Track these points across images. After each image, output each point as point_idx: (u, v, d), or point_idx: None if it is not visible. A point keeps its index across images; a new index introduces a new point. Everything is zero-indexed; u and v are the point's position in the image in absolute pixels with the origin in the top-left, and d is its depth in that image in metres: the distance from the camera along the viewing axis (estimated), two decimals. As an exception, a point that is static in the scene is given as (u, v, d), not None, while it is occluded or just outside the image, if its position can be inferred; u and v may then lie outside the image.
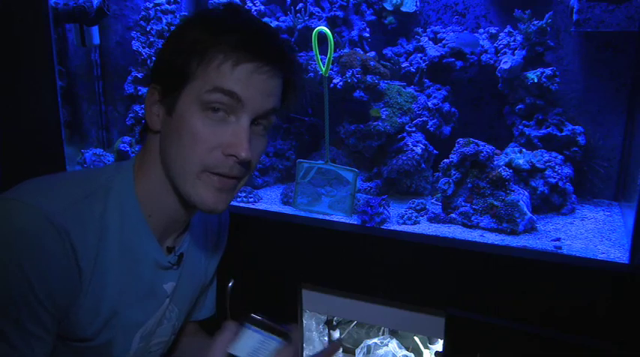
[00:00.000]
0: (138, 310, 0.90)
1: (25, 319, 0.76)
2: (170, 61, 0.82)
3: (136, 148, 1.76)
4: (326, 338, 1.68)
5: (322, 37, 1.25)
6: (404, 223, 1.31)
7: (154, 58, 1.78)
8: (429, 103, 1.55)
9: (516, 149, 1.41)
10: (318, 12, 1.65)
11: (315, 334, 1.67)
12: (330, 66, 1.28)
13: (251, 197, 1.49)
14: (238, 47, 0.79)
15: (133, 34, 1.84)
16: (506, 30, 1.52)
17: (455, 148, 1.32)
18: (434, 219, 1.33)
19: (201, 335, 1.15)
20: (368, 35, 1.65)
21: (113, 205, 0.84)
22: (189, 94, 0.80)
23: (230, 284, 1.27)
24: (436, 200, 1.36)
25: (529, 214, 1.24)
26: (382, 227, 1.27)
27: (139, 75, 1.84)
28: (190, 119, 0.80)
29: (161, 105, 0.84)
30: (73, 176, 0.91)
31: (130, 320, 0.89)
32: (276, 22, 1.66)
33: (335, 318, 1.66)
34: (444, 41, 1.57)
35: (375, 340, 1.57)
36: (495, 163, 1.31)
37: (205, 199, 0.83)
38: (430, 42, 1.60)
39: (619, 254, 1.10)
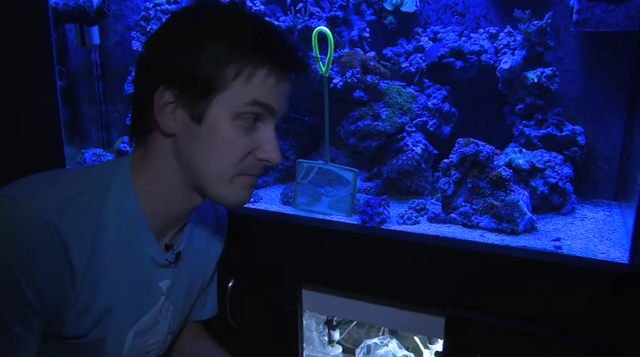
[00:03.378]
0: (132, 307, 0.90)
1: (10, 320, 0.76)
2: (191, 68, 0.80)
3: (136, 148, 1.76)
4: (326, 338, 1.68)
5: (322, 37, 1.25)
6: (404, 223, 1.31)
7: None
8: (429, 103, 1.55)
9: (516, 149, 1.41)
10: (318, 12, 1.65)
11: (315, 334, 1.67)
12: (330, 66, 1.28)
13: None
14: (280, 64, 0.82)
15: (133, 34, 1.84)
16: (506, 30, 1.52)
17: (455, 148, 1.32)
18: (434, 219, 1.33)
19: (208, 342, 1.15)
20: (368, 35, 1.65)
21: (112, 202, 0.84)
22: (222, 103, 0.81)
23: (230, 284, 1.27)
24: (436, 200, 1.36)
25: (529, 214, 1.24)
26: (382, 227, 1.27)
27: (139, 75, 1.84)
28: (224, 128, 0.82)
29: (181, 110, 0.82)
30: (71, 173, 0.91)
31: (124, 317, 0.89)
32: (276, 22, 1.66)
33: (335, 318, 1.66)
34: (444, 41, 1.57)
35: (375, 340, 1.57)
36: (495, 163, 1.31)
37: (240, 198, 0.88)
38: (430, 42, 1.60)
39: (619, 254, 1.10)
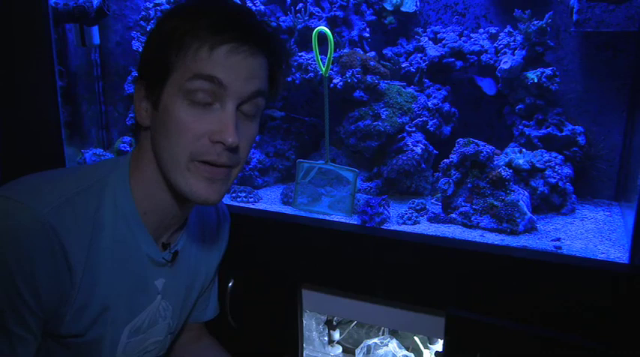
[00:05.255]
0: (128, 305, 0.90)
1: (9, 320, 0.76)
2: (151, 55, 0.83)
3: (136, 148, 1.76)
4: (326, 338, 1.68)
5: (322, 37, 1.25)
6: (404, 223, 1.31)
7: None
8: (429, 103, 1.55)
9: (516, 149, 1.41)
10: (318, 12, 1.65)
11: (315, 334, 1.67)
12: (330, 66, 1.28)
13: (251, 197, 1.49)
14: (213, 30, 0.78)
15: (133, 34, 1.84)
16: (506, 30, 1.52)
17: (455, 148, 1.32)
18: (434, 219, 1.33)
19: (210, 343, 1.14)
20: (368, 35, 1.65)
21: (108, 201, 0.84)
22: (171, 85, 0.80)
23: (230, 284, 1.27)
24: (436, 200, 1.36)
25: (529, 214, 1.24)
26: (382, 227, 1.27)
27: (139, 75, 1.84)
28: (175, 110, 0.80)
29: (148, 101, 0.84)
30: (69, 172, 0.91)
31: (120, 315, 0.89)
32: (276, 22, 1.66)
33: (335, 318, 1.66)
34: (444, 41, 1.58)
35: (375, 340, 1.57)
36: (495, 163, 1.31)
37: (196, 190, 0.83)
38: (430, 42, 1.60)
39: (619, 254, 1.10)
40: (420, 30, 1.64)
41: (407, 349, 1.60)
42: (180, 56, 0.79)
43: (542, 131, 1.43)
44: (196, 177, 0.82)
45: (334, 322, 1.68)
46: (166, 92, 0.81)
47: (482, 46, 1.53)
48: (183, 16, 0.81)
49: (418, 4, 1.62)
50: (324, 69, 1.27)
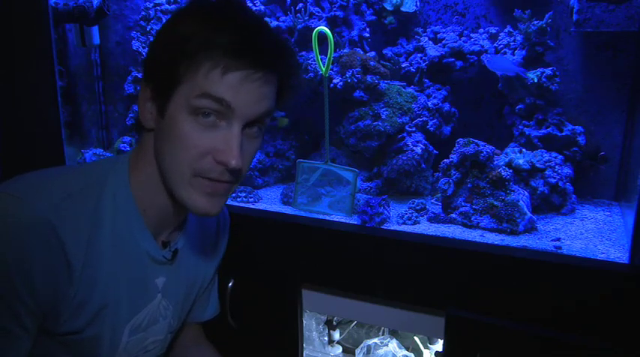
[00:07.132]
0: (127, 303, 0.90)
1: (3, 317, 0.76)
2: (160, 60, 0.81)
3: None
4: (326, 338, 1.68)
5: (322, 37, 1.25)
6: (404, 223, 1.31)
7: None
8: (429, 103, 1.55)
9: (516, 149, 1.41)
10: (318, 12, 1.65)
11: (315, 334, 1.67)
12: (330, 66, 1.28)
13: (251, 197, 1.49)
14: (228, 52, 0.76)
15: (133, 34, 1.84)
16: (506, 30, 1.52)
17: (455, 148, 1.32)
18: (434, 219, 1.33)
19: (208, 349, 1.14)
20: (368, 35, 1.65)
21: (107, 198, 0.85)
22: (179, 96, 0.79)
23: (230, 284, 1.27)
24: (436, 200, 1.36)
25: (529, 214, 1.24)
26: (382, 227, 1.27)
27: (139, 75, 1.84)
28: (181, 123, 0.79)
29: (153, 103, 0.83)
30: (69, 170, 0.91)
31: (120, 313, 0.89)
32: (276, 22, 1.66)
33: (335, 318, 1.66)
34: (444, 41, 1.58)
35: (375, 340, 1.57)
36: (495, 163, 1.31)
37: (198, 204, 0.83)
38: (430, 42, 1.60)
39: (619, 254, 1.10)
40: (420, 30, 1.64)
41: (407, 349, 1.60)
42: (190, 71, 0.77)
43: (542, 131, 1.43)
44: (198, 192, 0.82)
45: (334, 322, 1.68)
46: (173, 102, 0.80)
47: (483, 46, 1.53)
48: (197, 23, 0.78)
49: (418, 4, 1.62)
50: (324, 69, 1.28)
